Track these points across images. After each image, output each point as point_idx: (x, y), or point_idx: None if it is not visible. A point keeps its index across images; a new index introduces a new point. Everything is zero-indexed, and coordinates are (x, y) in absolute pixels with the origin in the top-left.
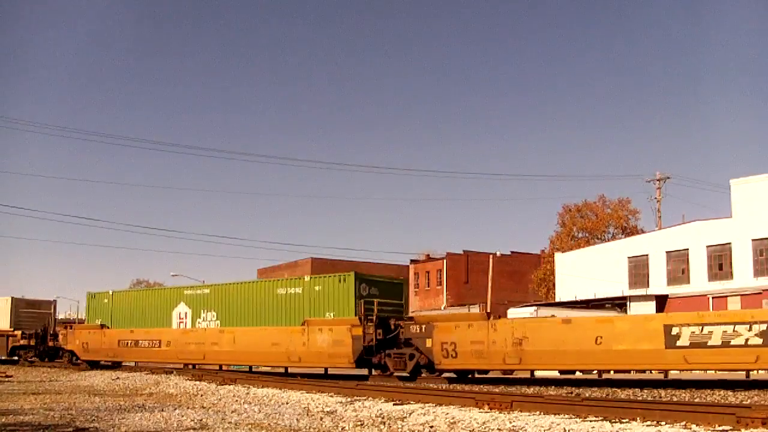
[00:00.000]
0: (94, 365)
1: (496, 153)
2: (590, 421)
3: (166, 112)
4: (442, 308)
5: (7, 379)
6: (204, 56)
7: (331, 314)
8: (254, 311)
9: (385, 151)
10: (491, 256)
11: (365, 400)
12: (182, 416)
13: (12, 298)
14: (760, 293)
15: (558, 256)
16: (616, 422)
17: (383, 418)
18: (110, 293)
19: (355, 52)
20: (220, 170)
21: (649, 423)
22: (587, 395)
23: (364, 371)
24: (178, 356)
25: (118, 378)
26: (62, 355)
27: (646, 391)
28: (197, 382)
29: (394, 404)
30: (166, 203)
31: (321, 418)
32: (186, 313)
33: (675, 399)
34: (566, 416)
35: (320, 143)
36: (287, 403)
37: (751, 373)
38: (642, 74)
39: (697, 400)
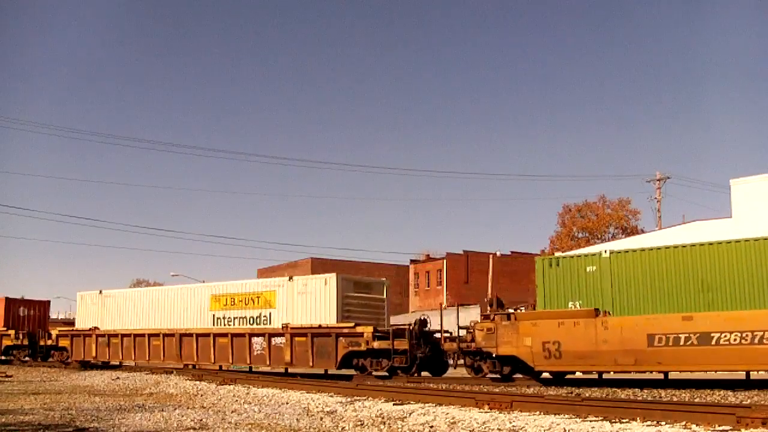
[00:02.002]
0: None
1: (496, 153)
2: (590, 421)
3: (166, 112)
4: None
5: (7, 379)
6: (204, 56)
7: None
8: None
9: (386, 151)
10: (491, 256)
11: (365, 400)
12: (182, 416)
13: (6, 298)
14: None
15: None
16: (616, 422)
17: (383, 418)
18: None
19: (356, 52)
20: (221, 170)
21: (649, 423)
22: (587, 395)
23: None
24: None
25: (118, 378)
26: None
27: (646, 391)
28: (197, 382)
29: (394, 404)
30: (166, 203)
31: (321, 418)
32: None
33: (675, 399)
34: (566, 416)
35: (320, 143)
36: (287, 403)
37: (751, 373)
38: (642, 74)
39: (697, 400)
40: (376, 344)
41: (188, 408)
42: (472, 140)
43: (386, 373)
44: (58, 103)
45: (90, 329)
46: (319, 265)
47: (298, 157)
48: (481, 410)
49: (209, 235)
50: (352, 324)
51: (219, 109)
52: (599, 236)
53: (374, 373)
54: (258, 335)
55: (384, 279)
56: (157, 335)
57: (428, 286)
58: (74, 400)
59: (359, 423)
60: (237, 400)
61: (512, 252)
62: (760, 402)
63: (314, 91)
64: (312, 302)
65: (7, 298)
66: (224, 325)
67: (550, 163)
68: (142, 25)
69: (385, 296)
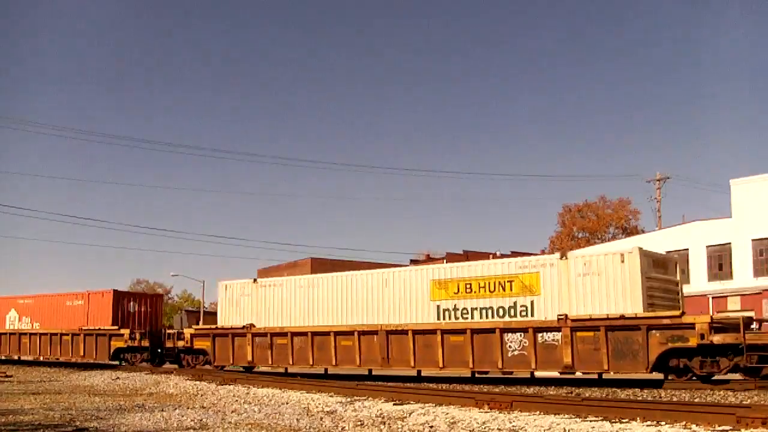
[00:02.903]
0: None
1: (496, 153)
2: (590, 421)
3: (166, 112)
4: None
5: (7, 379)
6: (204, 56)
7: None
8: None
9: (386, 151)
10: (491, 256)
11: (365, 400)
12: (182, 416)
13: (114, 291)
14: (759, 293)
15: None
16: (616, 422)
17: (383, 418)
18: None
19: (356, 52)
20: (221, 170)
21: (649, 423)
22: (587, 395)
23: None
24: None
25: (118, 378)
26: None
27: (646, 391)
28: (197, 382)
29: (394, 404)
30: (166, 203)
31: (321, 418)
32: None
33: (675, 399)
34: (566, 416)
35: (320, 143)
36: (287, 403)
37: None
38: (642, 74)
39: (697, 400)
40: (716, 338)
41: (188, 408)
42: (472, 140)
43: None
44: (58, 103)
45: (243, 327)
46: (319, 265)
47: (298, 157)
48: (481, 410)
49: (209, 235)
50: (677, 312)
51: (219, 109)
52: (599, 236)
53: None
54: (515, 330)
55: (675, 256)
56: (348, 333)
57: None
58: (74, 400)
59: (359, 423)
60: (237, 400)
61: (512, 252)
62: (760, 402)
63: (314, 91)
64: (601, 286)
65: (115, 291)
66: (455, 318)
67: (550, 163)
68: (142, 26)
69: (678, 278)
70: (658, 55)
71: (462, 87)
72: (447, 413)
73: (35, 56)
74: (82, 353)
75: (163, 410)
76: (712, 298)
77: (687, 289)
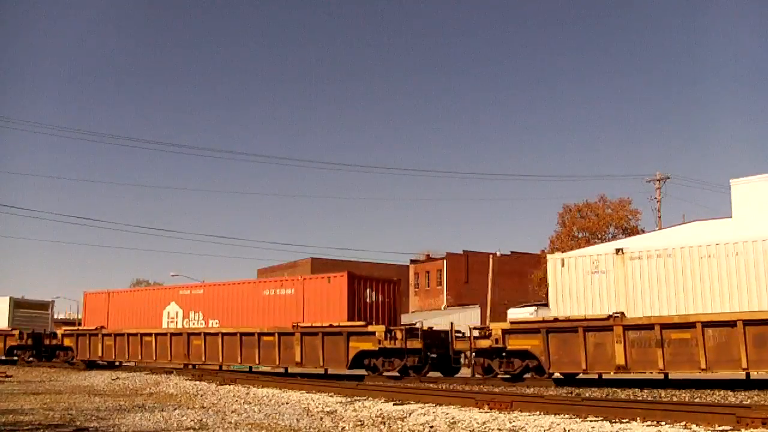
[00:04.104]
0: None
1: (496, 153)
2: (590, 421)
3: (166, 112)
4: (442, 308)
5: (7, 379)
6: (204, 56)
7: None
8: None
9: (386, 151)
10: (491, 256)
11: (365, 400)
12: (182, 416)
13: (11, 298)
14: None
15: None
16: (616, 422)
17: (383, 418)
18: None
19: (356, 51)
20: (220, 170)
21: (649, 423)
22: (587, 395)
23: None
24: None
25: (118, 378)
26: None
27: (646, 391)
28: (197, 382)
29: (394, 404)
30: (166, 203)
31: (321, 418)
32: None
33: (675, 399)
34: (566, 416)
35: (320, 143)
36: (287, 403)
37: (751, 373)
38: (642, 74)
39: (697, 400)
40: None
41: (188, 408)
42: (472, 140)
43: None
44: (59, 103)
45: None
46: (319, 265)
47: (298, 157)
48: (481, 410)
49: (209, 235)
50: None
51: (219, 108)
52: (599, 236)
53: None
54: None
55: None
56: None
57: (428, 286)
58: (74, 400)
59: (359, 423)
60: (237, 400)
61: (512, 252)
62: (760, 402)
63: (314, 91)
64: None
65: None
66: None
67: (550, 163)
68: (141, 26)
69: None
70: (658, 55)
71: (462, 87)
72: (447, 413)
73: (35, 56)
74: (298, 359)
75: (163, 410)
76: None
77: None
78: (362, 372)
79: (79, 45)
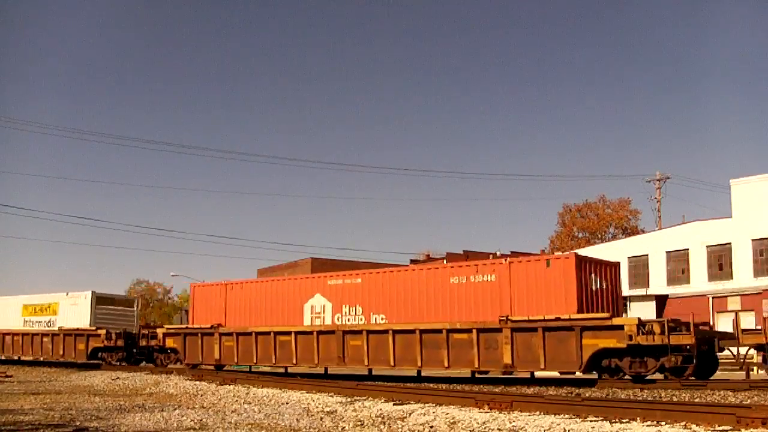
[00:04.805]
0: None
1: (496, 153)
2: (590, 421)
3: (166, 112)
4: None
5: (7, 379)
6: (204, 56)
7: None
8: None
9: (385, 151)
10: (491, 256)
11: (365, 400)
12: (182, 416)
13: (93, 292)
14: (759, 293)
15: None
16: (616, 422)
17: (383, 418)
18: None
19: (356, 51)
20: (221, 170)
21: (649, 423)
22: (587, 395)
23: None
24: None
25: (118, 378)
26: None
27: (646, 391)
28: (197, 382)
29: (394, 404)
30: (166, 203)
31: (321, 418)
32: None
33: (675, 399)
34: (566, 416)
35: (320, 143)
36: (287, 403)
37: (751, 373)
38: (642, 74)
39: (697, 400)
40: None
41: (188, 408)
42: (472, 140)
43: None
44: (58, 103)
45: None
46: (319, 265)
47: (298, 157)
48: (481, 410)
49: (209, 235)
50: None
51: (219, 109)
52: (599, 236)
53: None
54: None
55: None
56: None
57: None
58: (74, 400)
59: (359, 423)
60: (237, 400)
61: (512, 252)
62: (760, 402)
63: (314, 91)
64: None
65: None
66: None
67: (550, 163)
68: (141, 25)
69: None
70: (658, 54)
71: (462, 87)
72: (447, 413)
73: (35, 56)
74: (508, 360)
75: (163, 410)
76: (712, 298)
77: (688, 289)
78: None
79: (79, 45)
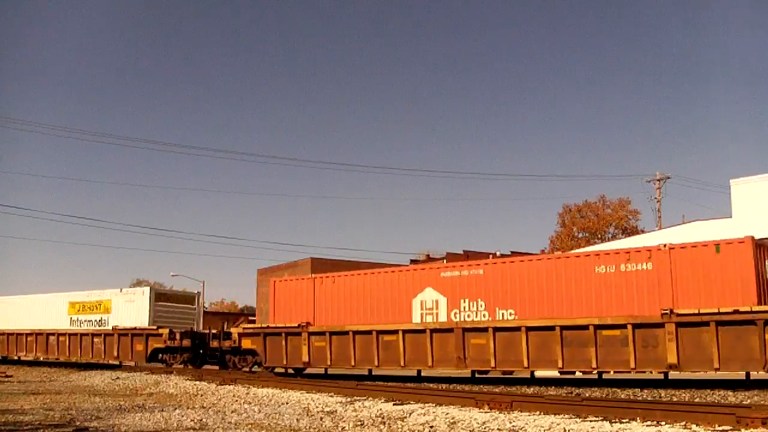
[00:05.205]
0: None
1: (496, 153)
2: (590, 421)
3: (166, 112)
4: None
5: (7, 379)
6: (204, 56)
7: None
8: None
9: (385, 151)
10: (491, 256)
11: (365, 400)
12: (182, 416)
13: (151, 288)
14: None
15: None
16: (616, 422)
17: (383, 418)
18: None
19: (356, 52)
20: (220, 170)
21: (649, 423)
22: (587, 395)
23: None
24: None
25: (118, 378)
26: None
27: (646, 391)
28: (197, 382)
29: (394, 404)
30: (166, 203)
31: (321, 418)
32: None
33: (675, 399)
34: (566, 416)
35: (320, 143)
36: (287, 403)
37: (750, 373)
38: (642, 74)
39: (697, 400)
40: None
41: (188, 408)
42: (472, 140)
43: None
44: (58, 103)
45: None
46: (319, 265)
47: (298, 157)
48: (481, 410)
49: (209, 235)
50: None
51: (219, 109)
52: (599, 236)
53: None
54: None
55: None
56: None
57: None
58: (74, 400)
59: (359, 423)
60: (237, 400)
61: (512, 252)
62: (760, 402)
63: (314, 91)
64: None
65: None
66: None
67: (550, 163)
68: (141, 26)
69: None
70: (659, 55)
71: (462, 87)
72: (447, 413)
73: (35, 56)
74: (673, 359)
75: (163, 410)
76: None
77: None
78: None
79: (78, 45)
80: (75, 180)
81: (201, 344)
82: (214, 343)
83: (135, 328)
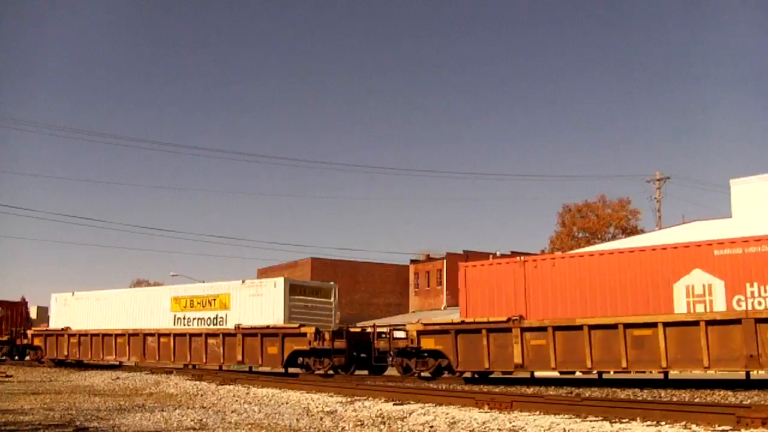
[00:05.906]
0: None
1: (496, 153)
2: (590, 421)
3: (166, 112)
4: (442, 308)
5: (7, 379)
6: (204, 56)
7: None
8: None
9: (386, 151)
10: (491, 256)
11: (365, 400)
12: (182, 416)
13: (286, 279)
14: None
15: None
16: (616, 422)
17: (383, 418)
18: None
19: (356, 51)
20: (221, 170)
21: (649, 423)
22: (587, 395)
23: None
24: None
25: (118, 378)
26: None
27: (646, 391)
28: (197, 382)
29: (394, 404)
30: (166, 203)
31: (321, 418)
32: None
33: (675, 399)
34: (566, 416)
35: (321, 143)
36: (287, 403)
37: (751, 373)
38: (642, 74)
39: (697, 400)
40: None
41: (188, 408)
42: (472, 140)
43: None
44: (58, 103)
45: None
46: (319, 265)
47: (298, 157)
48: (481, 410)
49: (209, 235)
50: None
51: (219, 109)
52: (599, 236)
53: None
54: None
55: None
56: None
57: (428, 286)
58: (74, 400)
59: (359, 423)
60: (237, 400)
61: (512, 252)
62: (760, 402)
63: (314, 91)
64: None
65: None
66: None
67: (550, 163)
68: (142, 25)
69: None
70: (659, 55)
71: (462, 87)
72: (447, 413)
73: (35, 56)
74: None
75: (163, 410)
76: None
77: None
78: None
79: (79, 45)
80: (75, 180)
81: (358, 345)
82: (380, 344)
83: (268, 327)
